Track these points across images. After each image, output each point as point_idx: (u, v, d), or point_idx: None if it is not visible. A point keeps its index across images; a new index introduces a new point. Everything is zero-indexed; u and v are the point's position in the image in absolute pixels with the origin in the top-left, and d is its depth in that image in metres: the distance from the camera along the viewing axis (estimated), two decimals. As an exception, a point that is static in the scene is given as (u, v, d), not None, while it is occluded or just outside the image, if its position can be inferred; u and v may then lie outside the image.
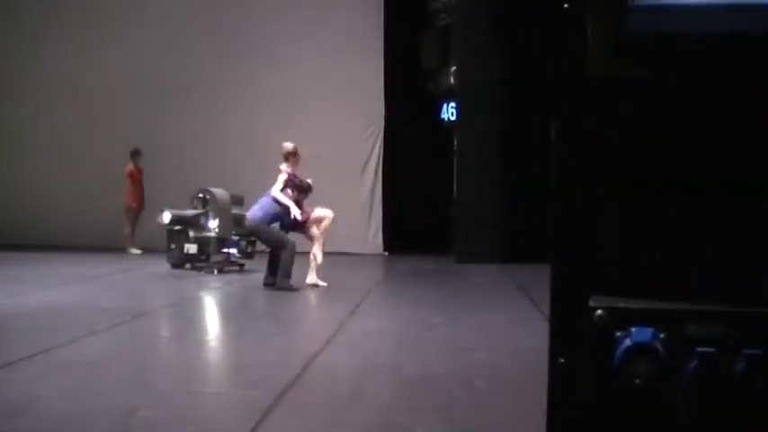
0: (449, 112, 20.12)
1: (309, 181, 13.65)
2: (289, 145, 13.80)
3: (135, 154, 19.74)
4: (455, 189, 18.80)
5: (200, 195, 15.89)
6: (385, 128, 20.42)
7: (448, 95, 19.77)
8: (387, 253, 20.10)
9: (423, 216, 20.25)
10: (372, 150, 20.43)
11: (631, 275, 1.77)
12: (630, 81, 1.73)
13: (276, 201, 13.28)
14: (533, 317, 10.50)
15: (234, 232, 15.82)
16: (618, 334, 1.74)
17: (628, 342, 1.73)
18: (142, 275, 15.61)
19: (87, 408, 6.15)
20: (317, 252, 13.56)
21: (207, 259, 15.70)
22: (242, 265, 15.94)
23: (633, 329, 1.73)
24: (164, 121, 20.47)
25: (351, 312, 10.93)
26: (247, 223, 13.57)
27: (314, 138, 20.08)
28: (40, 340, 8.68)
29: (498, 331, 9.93)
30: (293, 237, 13.45)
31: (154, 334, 10.15)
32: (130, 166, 19.76)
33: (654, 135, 1.75)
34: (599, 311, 1.75)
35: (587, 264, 1.78)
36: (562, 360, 1.79)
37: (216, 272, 15.46)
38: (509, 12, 17.88)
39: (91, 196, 20.15)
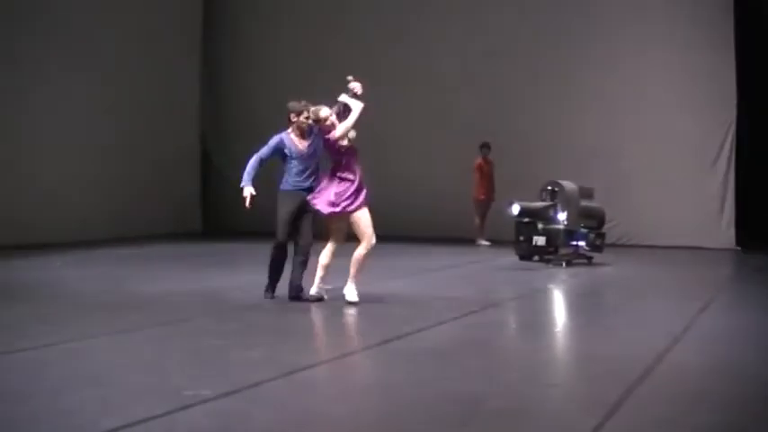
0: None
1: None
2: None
3: (484, 147, 20.12)
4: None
5: (549, 188, 15.99)
6: (737, 116, 19.70)
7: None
8: (739, 248, 19.39)
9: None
10: (725, 140, 19.73)
11: None
12: None
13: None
14: None
15: (582, 225, 15.84)
16: None
17: None
18: (490, 267, 15.95)
19: (434, 395, 6.38)
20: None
21: (555, 251, 15.80)
22: (590, 258, 15.92)
23: None
24: (510, 115, 20.78)
25: (701, 309, 10.71)
26: None
27: (662, 131, 19.79)
28: (392, 328, 9.16)
29: None
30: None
31: (502, 325, 10.38)
32: (479, 160, 20.18)
33: None
34: None
35: None
36: None
37: (564, 264, 15.50)
38: None
39: (443, 190, 20.75)
